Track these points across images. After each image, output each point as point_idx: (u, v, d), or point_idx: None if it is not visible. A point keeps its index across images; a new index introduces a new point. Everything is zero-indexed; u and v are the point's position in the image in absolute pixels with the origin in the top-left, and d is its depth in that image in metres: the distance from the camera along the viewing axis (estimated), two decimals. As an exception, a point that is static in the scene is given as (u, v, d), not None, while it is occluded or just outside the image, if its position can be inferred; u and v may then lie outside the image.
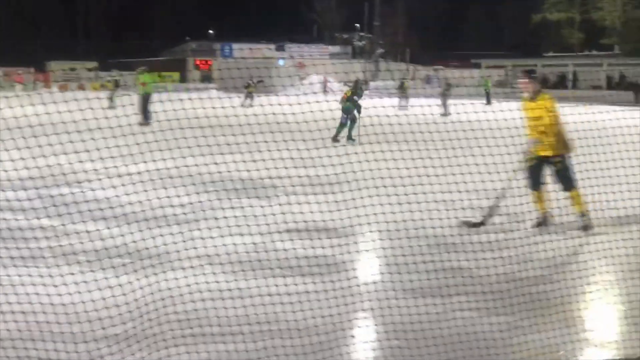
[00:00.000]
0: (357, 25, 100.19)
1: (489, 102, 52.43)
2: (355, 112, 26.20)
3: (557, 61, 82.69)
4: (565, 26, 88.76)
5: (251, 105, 40.36)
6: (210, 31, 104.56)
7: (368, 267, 10.00)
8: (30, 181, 11.44)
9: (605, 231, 10.44)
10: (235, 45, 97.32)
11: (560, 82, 78.56)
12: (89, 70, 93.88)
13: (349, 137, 25.96)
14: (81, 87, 76.88)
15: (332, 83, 75.05)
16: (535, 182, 11.91)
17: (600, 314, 8.30)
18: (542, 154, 11.80)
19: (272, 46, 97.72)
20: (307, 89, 59.98)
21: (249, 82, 48.86)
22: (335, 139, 25.77)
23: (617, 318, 8.12)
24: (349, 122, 26.18)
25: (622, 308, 8.31)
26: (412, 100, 43.26)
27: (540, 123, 11.75)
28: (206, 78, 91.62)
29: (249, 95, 46.86)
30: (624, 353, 6.88)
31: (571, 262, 9.46)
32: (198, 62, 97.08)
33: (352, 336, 7.34)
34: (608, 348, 7.17)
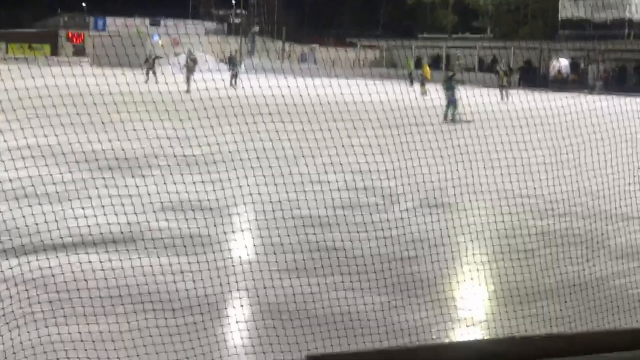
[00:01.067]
0: (233, 1, 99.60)
1: (412, 84, 52.74)
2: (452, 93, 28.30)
3: (432, 42, 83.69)
4: (440, 8, 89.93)
5: (157, 81, 39.98)
6: (83, 4, 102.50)
7: (243, 246, 10.01)
8: None
9: (478, 213, 10.63)
10: (108, 19, 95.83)
11: (434, 64, 79.77)
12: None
13: (451, 115, 26.94)
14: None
15: (212, 62, 74.32)
16: None
17: (472, 294, 8.50)
18: None
19: (147, 20, 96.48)
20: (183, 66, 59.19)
21: (147, 58, 48.71)
22: (445, 118, 26.72)
23: (488, 299, 8.31)
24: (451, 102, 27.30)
25: (492, 289, 8.51)
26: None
27: None
28: (79, 51, 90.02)
29: (151, 70, 46.45)
30: (494, 332, 7.05)
31: (445, 243, 9.63)
32: (70, 35, 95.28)
33: (227, 316, 7.35)
34: (479, 327, 7.35)
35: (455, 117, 27.65)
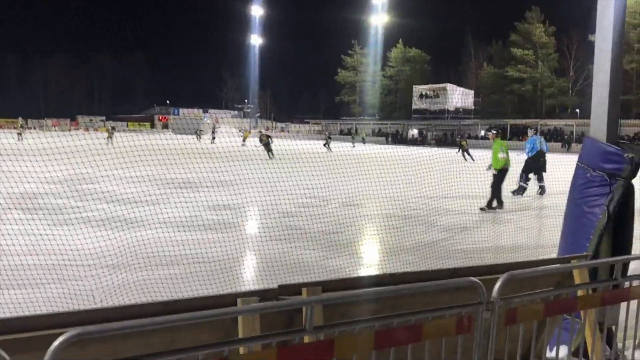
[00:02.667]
0: (246, 100, 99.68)
1: (353, 144, 48.25)
2: None
3: (348, 121, 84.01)
4: (352, 103, 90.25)
5: (212, 141, 40.92)
6: (167, 101, 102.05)
7: (250, 227, 9.85)
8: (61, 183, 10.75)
9: (372, 208, 10.55)
10: (181, 109, 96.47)
11: (349, 132, 79.85)
12: (100, 120, 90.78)
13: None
14: (96, 130, 73.35)
15: (235, 133, 73.63)
16: None
17: (368, 250, 8.42)
18: None
19: (201, 110, 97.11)
20: (219, 134, 59.21)
21: (197, 131, 51.50)
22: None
23: (377, 253, 8.22)
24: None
25: (378, 248, 8.41)
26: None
27: None
28: (165, 126, 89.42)
29: (199, 137, 47.94)
30: (375, 271, 6.98)
31: (354, 224, 9.56)
32: (161, 118, 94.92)
33: (242, 264, 7.21)
34: (373, 268, 7.28)
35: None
